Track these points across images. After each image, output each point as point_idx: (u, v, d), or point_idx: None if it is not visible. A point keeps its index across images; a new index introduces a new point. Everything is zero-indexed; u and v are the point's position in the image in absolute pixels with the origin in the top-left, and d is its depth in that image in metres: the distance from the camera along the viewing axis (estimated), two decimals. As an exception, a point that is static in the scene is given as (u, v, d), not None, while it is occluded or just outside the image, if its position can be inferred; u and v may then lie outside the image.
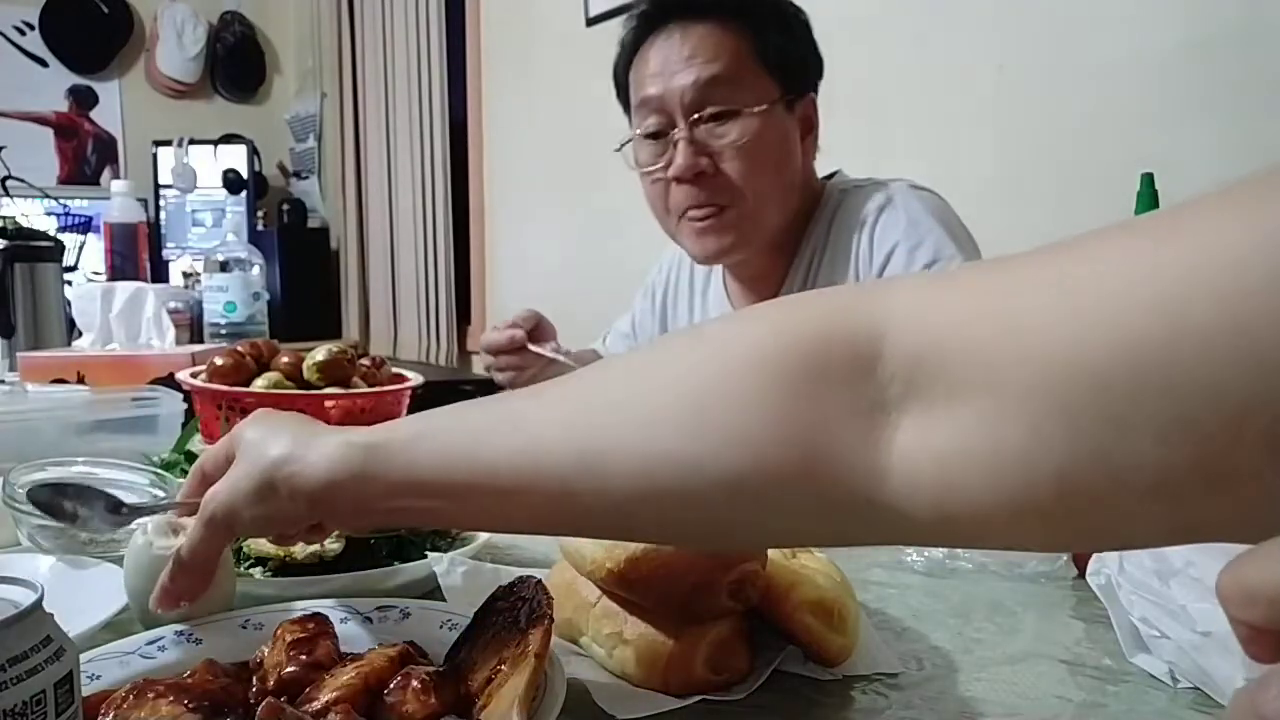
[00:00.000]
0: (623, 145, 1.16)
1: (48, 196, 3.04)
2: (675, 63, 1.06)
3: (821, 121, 1.15)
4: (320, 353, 1.10)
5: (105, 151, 3.84)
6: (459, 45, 3.09)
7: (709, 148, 1.06)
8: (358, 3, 3.56)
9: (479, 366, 3.14)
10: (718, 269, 1.28)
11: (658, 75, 1.07)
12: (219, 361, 1.07)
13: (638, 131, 1.12)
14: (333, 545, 0.61)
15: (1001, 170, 1.53)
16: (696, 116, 1.05)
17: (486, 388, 1.32)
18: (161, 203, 3.66)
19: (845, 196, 1.14)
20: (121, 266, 1.95)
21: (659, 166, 1.09)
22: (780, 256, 1.15)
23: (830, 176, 1.19)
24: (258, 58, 4.07)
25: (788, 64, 1.08)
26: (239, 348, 1.10)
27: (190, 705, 0.40)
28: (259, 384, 1.06)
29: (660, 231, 1.39)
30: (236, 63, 4.00)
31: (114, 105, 3.84)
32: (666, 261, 1.36)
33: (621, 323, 1.42)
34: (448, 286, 3.17)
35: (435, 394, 1.43)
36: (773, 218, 1.11)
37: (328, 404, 1.05)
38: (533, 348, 1.19)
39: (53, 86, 3.72)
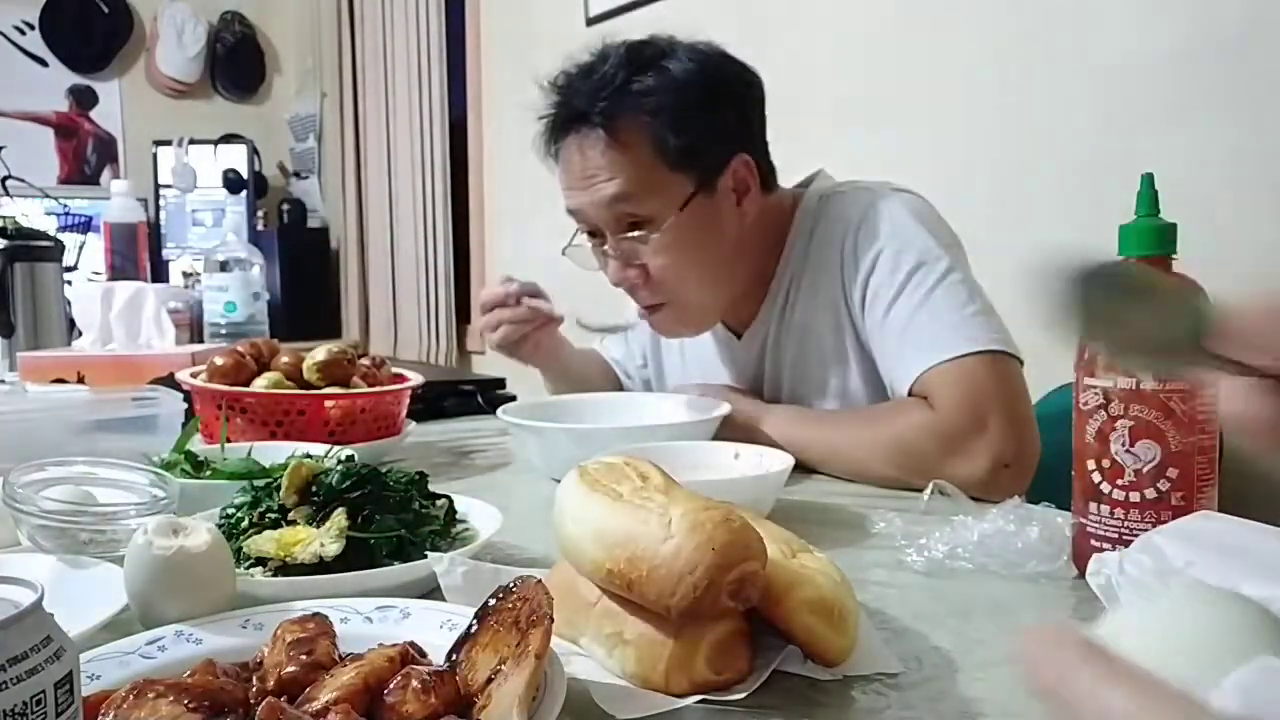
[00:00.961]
0: (568, 247, 1.16)
1: (48, 196, 3.04)
2: (579, 180, 1.05)
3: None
4: (320, 353, 1.10)
5: (105, 151, 3.84)
6: (459, 45, 3.09)
7: (636, 258, 1.06)
8: (358, 3, 3.56)
9: (479, 366, 3.14)
10: None
11: (570, 191, 1.08)
12: (219, 361, 1.08)
13: (580, 237, 1.14)
14: (332, 545, 0.61)
15: (1001, 171, 1.53)
16: (619, 230, 1.05)
17: (486, 387, 1.32)
18: (161, 203, 3.66)
19: (825, 204, 1.12)
20: (121, 266, 1.95)
21: (602, 268, 1.11)
22: (758, 282, 1.15)
23: (810, 180, 1.18)
24: (258, 58, 4.08)
25: (695, 153, 1.04)
26: (239, 348, 1.10)
27: (190, 705, 0.40)
28: (259, 384, 1.06)
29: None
30: (236, 63, 4.00)
31: (114, 105, 3.84)
32: None
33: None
34: (447, 286, 3.17)
35: (435, 394, 1.44)
36: (718, 296, 1.12)
37: (328, 404, 1.05)
38: (530, 302, 1.19)
39: (53, 86, 3.73)
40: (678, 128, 1.02)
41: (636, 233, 1.04)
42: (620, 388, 1.39)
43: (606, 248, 1.08)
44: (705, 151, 1.05)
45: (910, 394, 1.00)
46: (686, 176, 1.04)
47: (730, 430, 1.01)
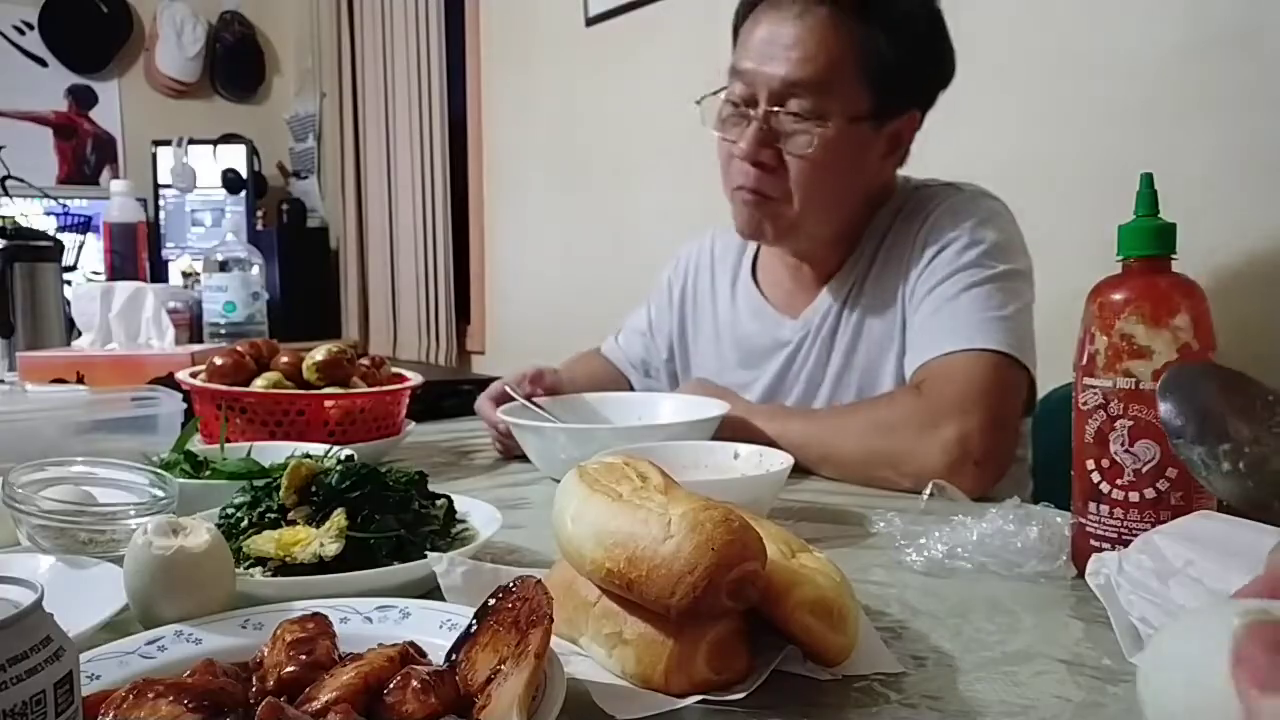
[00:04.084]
0: (708, 95, 1.12)
1: (47, 196, 3.04)
2: (776, 47, 1.03)
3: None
4: (320, 352, 1.10)
5: (105, 151, 3.84)
6: (459, 45, 3.09)
7: (777, 141, 1.04)
8: (358, 3, 3.56)
9: (479, 366, 3.15)
10: (746, 263, 1.27)
11: (757, 51, 1.04)
12: (218, 361, 1.07)
13: (724, 94, 1.10)
14: (332, 545, 0.61)
15: (1001, 170, 1.53)
16: (777, 108, 1.04)
17: (486, 387, 1.31)
18: (161, 202, 3.66)
19: (915, 193, 1.13)
20: (121, 266, 1.95)
21: (730, 137, 1.08)
22: (836, 250, 1.15)
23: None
24: (257, 58, 4.08)
25: (891, 79, 1.03)
26: (238, 348, 1.10)
27: (190, 705, 0.40)
28: (259, 384, 1.06)
29: (666, 232, 1.39)
30: (236, 62, 4.00)
31: (113, 105, 3.84)
32: (684, 260, 1.36)
33: (636, 320, 1.41)
34: (447, 286, 3.17)
35: (435, 393, 1.44)
36: (817, 227, 1.10)
37: (327, 404, 1.05)
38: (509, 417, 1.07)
39: (52, 86, 3.72)
40: (892, 49, 1.02)
41: (798, 117, 1.02)
42: (626, 388, 1.39)
43: (754, 116, 1.04)
44: (898, 87, 1.05)
45: (913, 378, 1.01)
46: (870, 97, 1.03)
47: (719, 430, 1.01)
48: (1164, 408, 0.37)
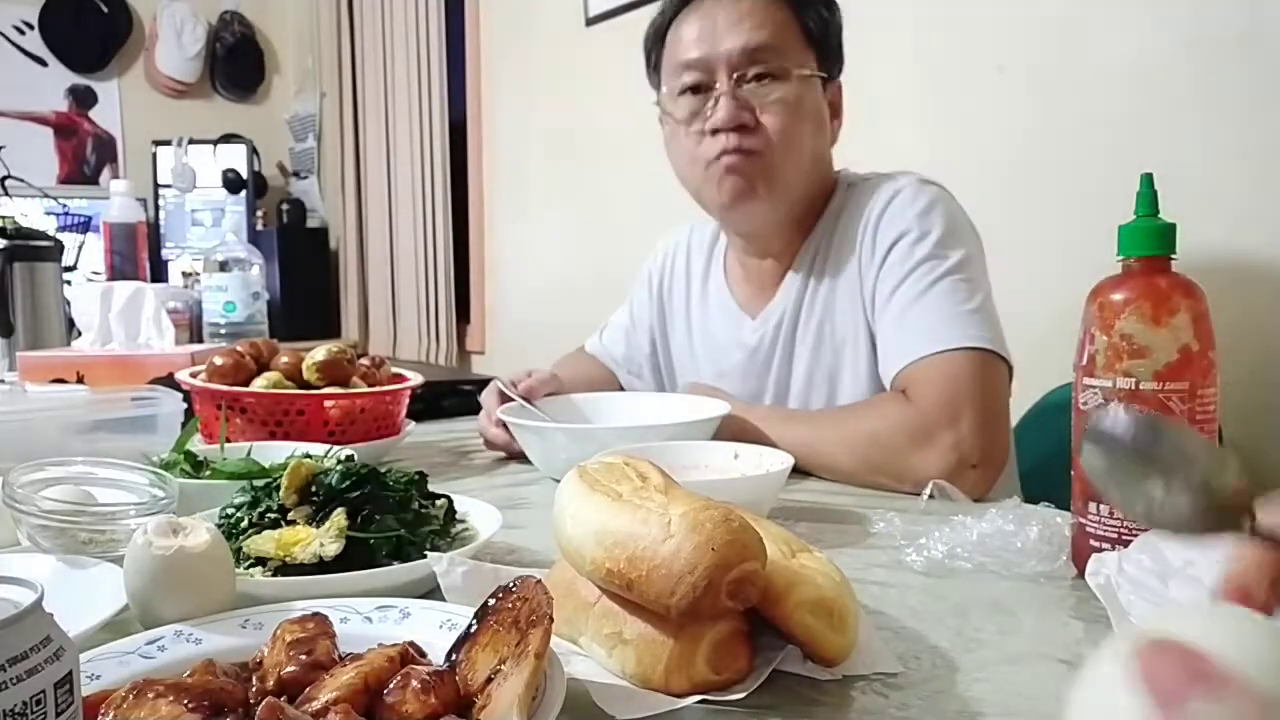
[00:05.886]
0: (656, 103, 1.17)
1: (47, 196, 3.04)
2: (723, 26, 1.07)
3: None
4: (320, 353, 1.10)
5: (105, 151, 3.84)
6: (459, 45, 3.09)
7: (750, 104, 1.07)
8: (358, 3, 3.56)
9: (479, 366, 3.15)
10: (718, 259, 1.27)
11: (701, 39, 1.08)
12: (218, 361, 1.08)
13: (668, 89, 1.13)
14: (332, 545, 0.61)
15: (1001, 171, 1.53)
16: (739, 75, 1.07)
17: (486, 387, 1.31)
18: (161, 202, 3.66)
19: (852, 190, 1.14)
20: (121, 266, 1.95)
21: (697, 118, 1.10)
22: (787, 246, 1.16)
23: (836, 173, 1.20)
24: (257, 57, 4.08)
25: (826, 43, 1.11)
26: (238, 348, 1.10)
27: (190, 705, 0.40)
28: (259, 384, 1.06)
29: (665, 229, 1.39)
30: (236, 62, 4.00)
31: (113, 105, 3.84)
32: (663, 250, 1.36)
33: (619, 316, 1.41)
34: (447, 286, 3.17)
35: (435, 394, 1.44)
36: (796, 183, 1.11)
37: (327, 404, 1.05)
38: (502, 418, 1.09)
39: (52, 86, 3.72)
40: (824, 12, 1.11)
41: (761, 79, 1.07)
42: (617, 386, 1.39)
43: (720, 90, 1.07)
44: (832, 48, 1.13)
45: (895, 383, 1.01)
46: (814, 58, 1.11)
47: (718, 432, 1.01)
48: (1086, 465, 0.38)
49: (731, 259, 1.26)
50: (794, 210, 1.13)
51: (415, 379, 1.19)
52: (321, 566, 0.60)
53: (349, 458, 0.72)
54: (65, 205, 3.12)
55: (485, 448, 1.18)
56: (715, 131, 1.07)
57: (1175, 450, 0.36)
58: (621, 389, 1.38)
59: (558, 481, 0.56)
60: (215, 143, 3.67)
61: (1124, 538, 0.61)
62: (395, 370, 1.21)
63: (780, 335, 1.16)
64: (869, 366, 1.09)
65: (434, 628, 0.51)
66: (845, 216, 1.12)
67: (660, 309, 1.34)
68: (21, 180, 2.72)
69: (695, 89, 1.10)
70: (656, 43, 1.16)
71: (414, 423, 1.19)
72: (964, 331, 0.98)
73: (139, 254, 1.98)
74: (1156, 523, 0.36)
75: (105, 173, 3.81)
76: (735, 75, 1.07)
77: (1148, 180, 0.63)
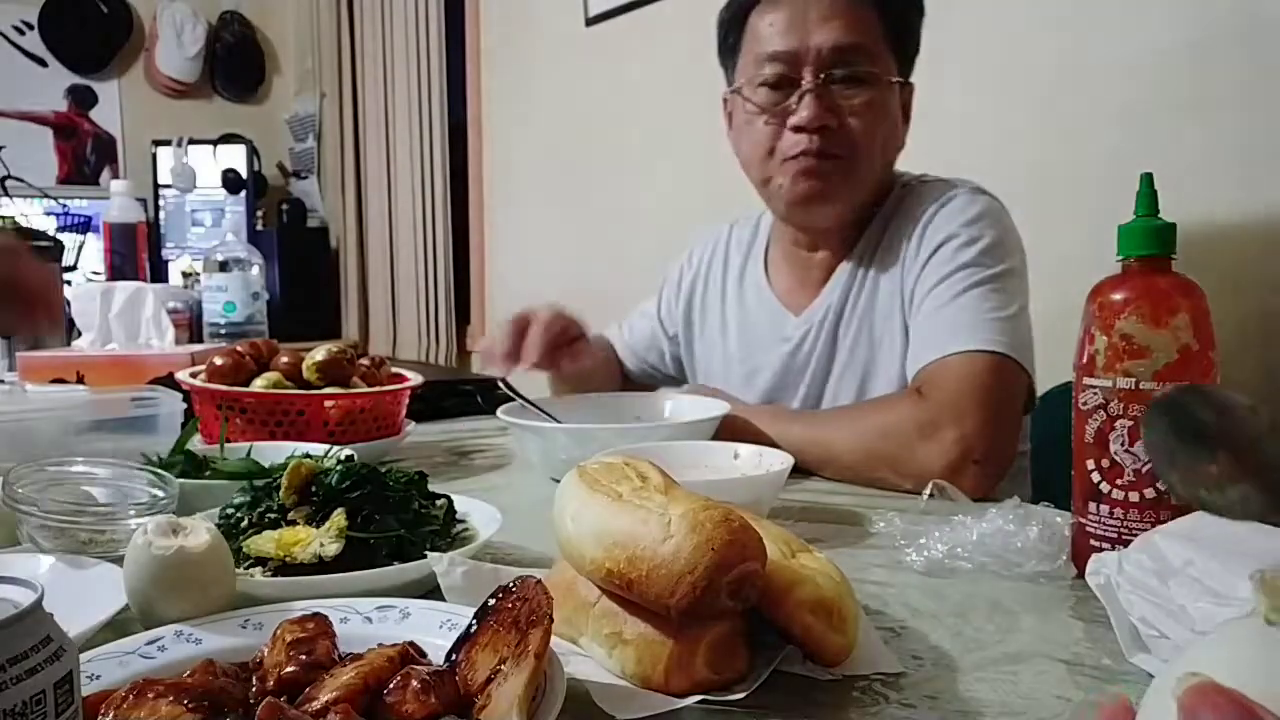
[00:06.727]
0: (731, 91, 1.15)
1: (47, 196, 3.04)
2: (814, 20, 1.06)
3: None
4: (319, 353, 1.10)
5: (104, 151, 3.84)
6: (459, 45, 3.09)
7: (835, 104, 1.06)
8: (357, 3, 3.56)
9: (478, 366, 3.14)
10: (756, 257, 1.27)
11: (789, 31, 1.07)
12: (218, 361, 1.08)
13: (747, 79, 1.11)
14: (332, 545, 0.61)
15: (1001, 171, 1.53)
16: (825, 74, 1.05)
17: (486, 387, 1.32)
18: (161, 203, 3.66)
19: (909, 191, 1.14)
20: (121, 266, 1.95)
21: (776, 108, 1.08)
22: (842, 242, 1.15)
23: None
24: (257, 58, 4.07)
25: (907, 48, 1.11)
26: (238, 348, 1.10)
27: (190, 705, 0.40)
28: (259, 384, 1.06)
29: (666, 232, 1.39)
30: (236, 62, 3.99)
31: (113, 105, 3.83)
32: (698, 249, 1.36)
33: (648, 304, 1.41)
34: (447, 286, 3.17)
35: (435, 394, 1.44)
36: (868, 186, 1.12)
37: (327, 404, 1.05)
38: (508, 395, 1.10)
39: (52, 86, 3.72)
40: (907, 18, 1.11)
41: (848, 81, 1.06)
42: (622, 374, 1.39)
43: (806, 86, 1.06)
44: (911, 53, 1.12)
45: (915, 380, 1.01)
46: (895, 63, 1.10)
47: (719, 431, 1.01)
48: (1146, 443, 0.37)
49: (775, 254, 1.25)
50: (861, 200, 1.13)
51: (415, 379, 1.19)
52: (321, 566, 0.60)
53: (349, 458, 0.72)
54: (65, 205, 3.12)
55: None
56: (798, 129, 1.06)
57: (1240, 430, 0.35)
58: (623, 379, 1.38)
59: (558, 481, 0.56)
60: (215, 143, 3.67)
61: (1124, 538, 0.61)
62: (395, 370, 1.21)
63: (823, 331, 1.15)
64: (901, 367, 1.09)
65: (434, 628, 0.51)
66: (898, 218, 1.12)
67: (688, 306, 1.33)
68: (21, 180, 2.72)
69: (777, 84, 1.08)
70: (735, 25, 1.14)
71: (414, 423, 1.19)
72: (988, 336, 0.99)
73: (139, 254, 1.98)
74: (1213, 507, 0.35)
75: (105, 173, 3.81)
76: (822, 74, 1.05)
77: (1148, 180, 0.63)
